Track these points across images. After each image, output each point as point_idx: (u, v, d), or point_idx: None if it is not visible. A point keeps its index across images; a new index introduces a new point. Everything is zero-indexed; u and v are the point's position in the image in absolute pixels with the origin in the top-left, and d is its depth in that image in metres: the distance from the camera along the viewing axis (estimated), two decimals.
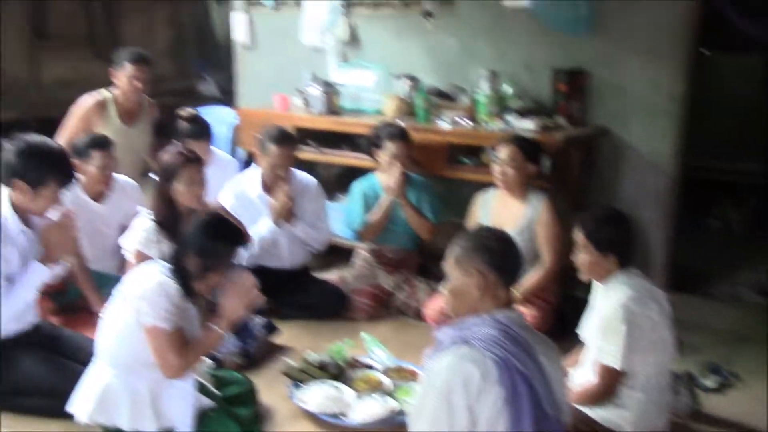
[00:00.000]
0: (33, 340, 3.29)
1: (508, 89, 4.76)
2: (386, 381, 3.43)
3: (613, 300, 2.86)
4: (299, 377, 3.45)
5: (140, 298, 2.71)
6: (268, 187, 4.31)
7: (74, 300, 4.17)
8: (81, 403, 2.88)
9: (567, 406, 2.39)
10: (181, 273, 2.79)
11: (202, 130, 4.85)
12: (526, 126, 4.45)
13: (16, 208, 3.11)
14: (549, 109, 4.70)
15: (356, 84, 5.29)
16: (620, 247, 2.94)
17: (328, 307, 4.36)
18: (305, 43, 5.74)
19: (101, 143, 4.21)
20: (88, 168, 4.16)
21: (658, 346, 2.86)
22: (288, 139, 4.31)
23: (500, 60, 4.91)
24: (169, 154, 3.72)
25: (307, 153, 5.16)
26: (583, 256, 2.99)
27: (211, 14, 8.89)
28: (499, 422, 2.15)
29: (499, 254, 2.34)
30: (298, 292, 4.33)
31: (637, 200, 4.65)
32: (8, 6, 6.69)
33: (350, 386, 3.37)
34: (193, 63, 8.98)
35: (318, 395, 3.27)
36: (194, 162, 3.68)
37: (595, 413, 2.93)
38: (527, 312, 3.93)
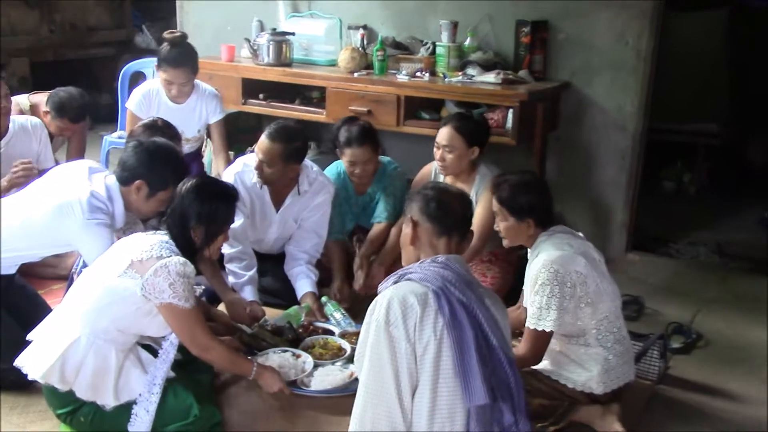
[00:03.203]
0: None
1: (469, 41, 4.56)
2: (346, 347, 3.25)
3: (536, 263, 2.81)
4: (254, 343, 3.23)
5: (154, 275, 2.55)
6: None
7: None
8: (34, 358, 2.64)
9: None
10: (187, 246, 2.68)
11: (181, 56, 4.24)
12: (488, 79, 4.27)
13: (127, 206, 3.02)
14: (511, 63, 4.53)
15: (307, 34, 5.00)
16: (537, 211, 2.87)
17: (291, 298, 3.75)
18: None
19: None
20: None
21: (597, 298, 2.78)
22: (281, 136, 3.52)
23: (461, 10, 4.69)
24: (142, 128, 3.47)
25: (256, 107, 4.90)
26: (502, 224, 2.92)
27: None
28: (443, 349, 2.16)
29: (434, 202, 2.36)
30: (268, 275, 3.83)
31: (599, 158, 4.55)
32: None
33: (309, 353, 3.18)
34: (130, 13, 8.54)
35: (275, 363, 3.06)
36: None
37: (564, 378, 2.87)
38: (488, 273, 3.85)
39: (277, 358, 3.12)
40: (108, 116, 7.78)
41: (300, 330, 3.38)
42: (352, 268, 3.91)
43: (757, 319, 3.91)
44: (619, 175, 4.52)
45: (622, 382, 2.86)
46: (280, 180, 3.63)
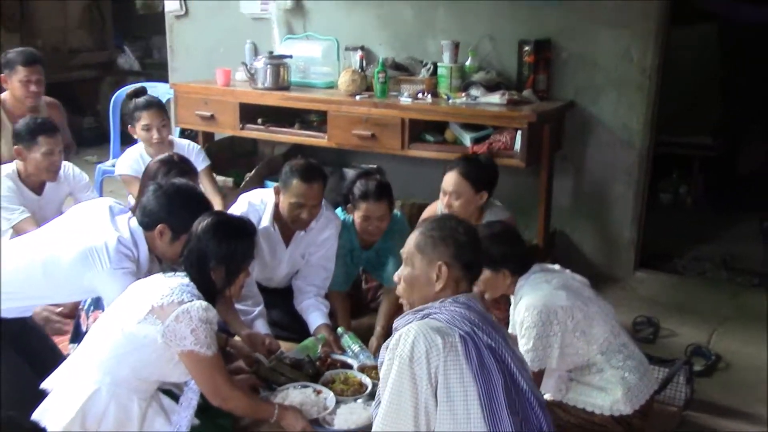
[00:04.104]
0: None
1: (470, 61, 4.50)
2: (367, 382, 3.15)
3: (519, 308, 2.77)
4: (272, 378, 3.12)
5: (176, 321, 2.45)
6: (281, 219, 3.54)
7: None
8: (52, 410, 2.52)
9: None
10: (207, 288, 2.58)
11: (151, 100, 4.26)
12: (493, 100, 4.22)
13: (152, 250, 2.94)
14: (515, 82, 4.48)
15: (304, 56, 4.91)
16: (511, 260, 2.82)
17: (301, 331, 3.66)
18: (245, 13, 5.33)
19: (49, 128, 3.82)
20: (33, 155, 3.79)
21: (588, 324, 2.73)
22: (318, 174, 3.48)
23: (460, 30, 4.64)
24: (158, 163, 3.40)
25: (254, 131, 4.81)
26: (480, 277, 2.74)
27: None
28: (471, 397, 2.08)
29: (469, 249, 2.27)
30: (277, 309, 3.75)
31: (606, 176, 4.51)
32: None
33: (329, 388, 3.08)
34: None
35: (296, 400, 2.95)
36: (182, 175, 3.33)
37: (591, 405, 2.80)
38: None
39: (298, 394, 3.00)
40: (92, 140, 7.68)
41: (318, 363, 3.29)
42: (358, 310, 3.86)
43: None
44: (626, 193, 4.49)
45: (648, 395, 2.82)
46: None
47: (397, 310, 3.59)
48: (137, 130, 4.20)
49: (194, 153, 4.31)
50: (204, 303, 2.51)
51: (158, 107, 4.23)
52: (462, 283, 2.27)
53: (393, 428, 2.12)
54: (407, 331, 2.13)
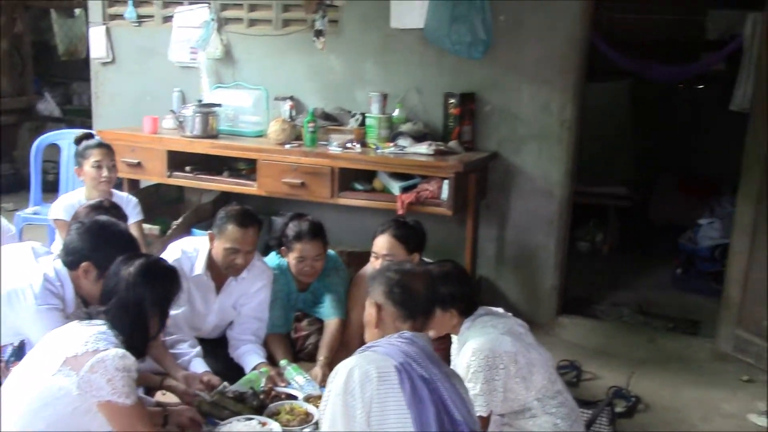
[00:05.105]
0: None
1: (398, 112, 4.62)
2: (314, 411, 3.11)
3: (465, 351, 2.80)
4: (215, 412, 3.05)
5: (90, 371, 2.35)
6: (215, 266, 3.52)
7: None
8: None
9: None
10: (142, 335, 2.52)
11: (100, 142, 4.22)
12: (421, 150, 4.33)
13: (77, 291, 2.90)
14: (441, 133, 4.61)
15: (234, 105, 4.94)
16: (459, 300, 2.88)
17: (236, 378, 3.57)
18: (173, 61, 5.34)
19: None
20: None
21: (528, 370, 2.80)
22: (253, 220, 3.50)
23: (387, 82, 4.77)
24: (88, 209, 3.37)
25: (182, 179, 4.79)
26: None
27: (53, 27, 8.19)
28: (407, 425, 2.16)
29: (398, 287, 2.38)
30: (210, 357, 3.62)
31: (528, 225, 4.66)
32: None
33: (275, 420, 3.02)
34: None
35: None
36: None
37: None
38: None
39: (242, 427, 2.93)
40: (9, 187, 7.46)
41: (262, 396, 3.24)
42: (296, 352, 3.81)
43: (686, 379, 4.08)
44: (548, 241, 4.64)
45: None
46: None
47: (339, 342, 3.67)
48: (85, 169, 4.05)
49: (131, 205, 4.21)
50: (120, 351, 2.42)
51: (109, 148, 4.16)
52: (402, 324, 2.36)
53: None
54: (344, 365, 2.22)
